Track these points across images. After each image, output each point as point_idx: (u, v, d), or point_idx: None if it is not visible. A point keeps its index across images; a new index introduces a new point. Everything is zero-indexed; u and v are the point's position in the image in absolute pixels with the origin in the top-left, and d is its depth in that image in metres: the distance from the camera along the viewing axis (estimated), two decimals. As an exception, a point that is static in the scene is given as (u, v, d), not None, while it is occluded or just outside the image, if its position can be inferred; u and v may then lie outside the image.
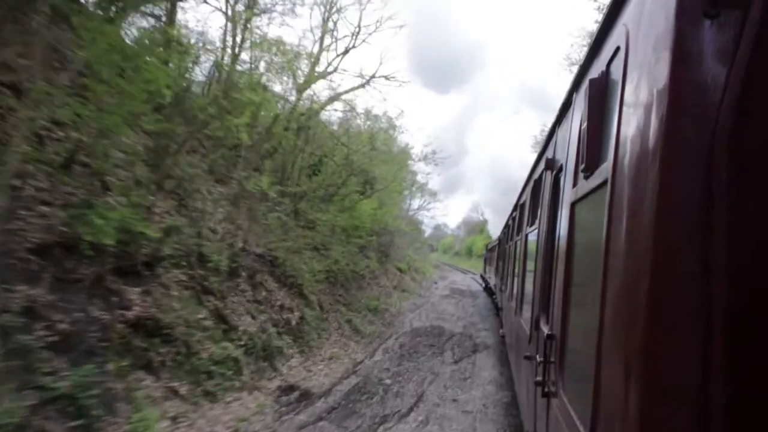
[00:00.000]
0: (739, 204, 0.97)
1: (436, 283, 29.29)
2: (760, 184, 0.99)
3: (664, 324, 1.02)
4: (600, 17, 2.00)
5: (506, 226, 9.67)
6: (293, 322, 8.29)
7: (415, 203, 61.18)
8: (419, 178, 20.89)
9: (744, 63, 0.96)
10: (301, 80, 13.89)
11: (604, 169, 1.51)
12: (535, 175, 4.15)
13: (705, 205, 0.99)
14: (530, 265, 4.00)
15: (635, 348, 1.09)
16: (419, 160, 19.72)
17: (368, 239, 18.07)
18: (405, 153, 20.55)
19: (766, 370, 0.96)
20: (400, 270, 23.76)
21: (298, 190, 11.92)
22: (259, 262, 8.57)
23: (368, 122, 19.05)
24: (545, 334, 2.33)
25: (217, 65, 9.14)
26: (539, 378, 2.35)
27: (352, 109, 17.69)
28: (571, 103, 2.46)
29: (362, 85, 18.06)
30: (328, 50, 17.32)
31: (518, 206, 6.34)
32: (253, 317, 7.33)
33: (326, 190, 14.61)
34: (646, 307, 1.04)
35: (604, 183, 1.48)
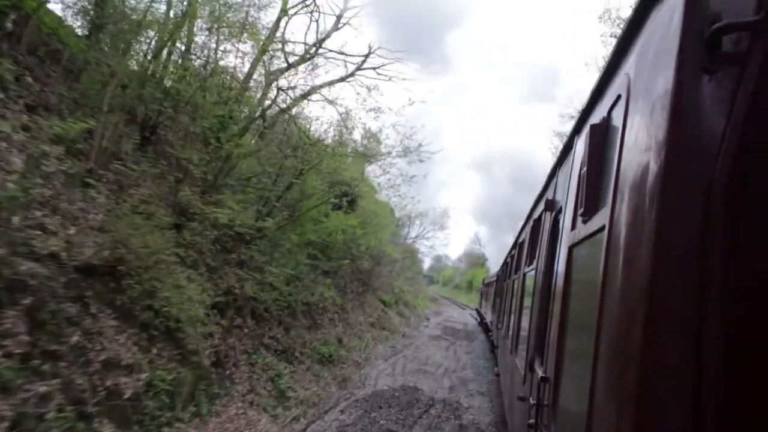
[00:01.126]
0: (735, 255, 0.98)
1: (428, 319, 25.30)
2: (755, 236, 0.99)
3: (657, 372, 1.03)
4: (603, 64, 2.08)
5: (504, 263, 9.58)
6: (126, 394, 4.55)
7: (414, 231, 57.61)
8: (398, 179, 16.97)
9: (740, 117, 0.98)
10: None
11: (603, 214, 1.53)
12: (535, 215, 4.21)
13: (701, 256, 1.00)
14: (527, 305, 4.00)
15: (628, 395, 1.10)
16: (398, 155, 15.97)
17: (340, 263, 14.41)
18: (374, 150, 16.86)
19: (762, 414, 0.95)
20: (384, 303, 19.95)
21: (182, 156, 7.81)
22: (87, 279, 4.93)
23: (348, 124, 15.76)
24: (539, 377, 2.36)
25: None
26: (532, 420, 2.35)
27: (331, 102, 14.48)
28: (572, 146, 2.49)
29: (347, 78, 14.98)
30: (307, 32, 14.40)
31: (517, 244, 6.36)
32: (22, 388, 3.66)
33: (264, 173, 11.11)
34: (639, 355, 1.06)
35: (602, 228, 1.49)
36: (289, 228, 11.10)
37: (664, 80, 1.14)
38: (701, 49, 1.06)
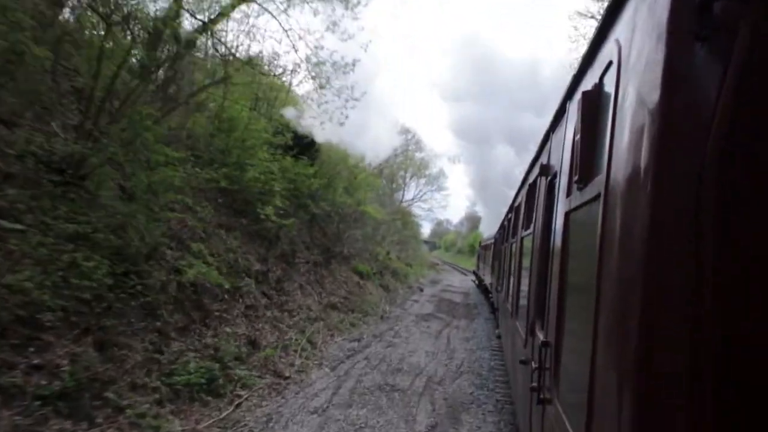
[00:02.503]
0: (729, 222, 1.00)
1: (421, 290, 21.11)
2: (749, 203, 1.01)
3: (657, 335, 1.06)
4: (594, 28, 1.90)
5: (501, 226, 9.66)
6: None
7: (410, 193, 52.73)
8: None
9: (734, 85, 0.98)
10: None
11: (598, 183, 1.54)
12: (530, 179, 4.22)
13: (696, 224, 1.02)
14: (525, 269, 4.05)
15: (628, 360, 1.12)
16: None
17: (279, 221, 9.91)
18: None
19: (756, 377, 0.98)
20: (360, 274, 15.63)
21: None
22: None
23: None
24: (540, 341, 2.37)
25: None
26: (534, 384, 2.35)
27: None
28: (564, 111, 2.49)
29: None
30: None
31: (513, 208, 6.42)
32: None
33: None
34: (638, 318, 1.09)
35: (597, 196, 1.50)
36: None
37: (655, 47, 1.14)
38: (692, 15, 1.05)
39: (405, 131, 38.33)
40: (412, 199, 49.73)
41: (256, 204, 9.80)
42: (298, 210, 12.62)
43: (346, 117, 10.84)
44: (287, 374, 6.79)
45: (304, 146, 13.13)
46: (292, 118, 12.78)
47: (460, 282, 28.98)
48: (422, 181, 49.97)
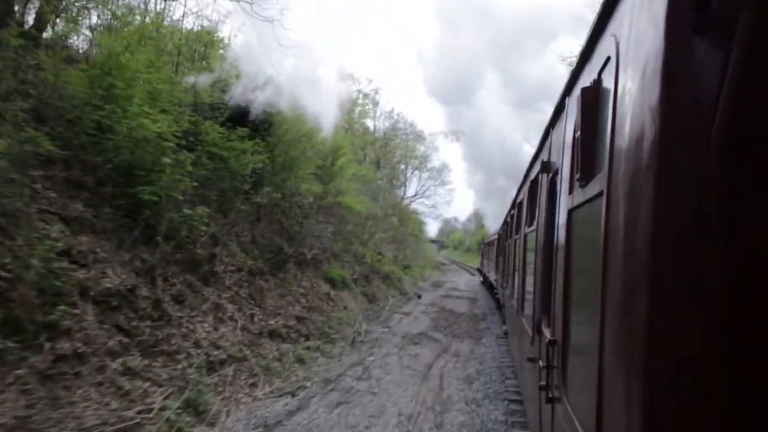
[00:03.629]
0: (733, 217, 0.99)
1: (419, 297, 17.53)
2: (752, 197, 1.00)
3: (664, 333, 1.05)
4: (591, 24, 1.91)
5: (505, 222, 9.65)
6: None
7: (411, 189, 48.94)
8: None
9: (734, 79, 0.96)
10: None
11: (600, 180, 1.53)
12: (532, 175, 4.19)
13: (699, 220, 1.01)
14: (529, 266, 4.05)
15: (636, 357, 1.12)
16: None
17: (183, 214, 6.43)
18: None
19: (761, 373, 0.97)
20: (332, 283, 12.10)
21: None
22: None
23: None
24: (547, 339, 2.35)
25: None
26: (543, 383, 2.34)
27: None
28: (564, 107, 2.46)
29: None
30: None
31: (516, 204, 6.35)
32: None
33: None
34: (644, 316, 1.08)
35: (599, 194, 1.49)
36: None
37: (654, 42, 1.13)
38: (690, 9, 1.03)
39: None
40: (415, 195, 46.02)
41: (135, 185, 6.33)
42: (232, 198, 9.15)
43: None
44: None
45: (239, 116, 9.67)
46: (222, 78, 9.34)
47: (466, 283, 25.30)
48: (425, 175, 46.18)
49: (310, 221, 12.13)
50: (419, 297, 17.64)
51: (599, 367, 1.36)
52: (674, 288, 1.03)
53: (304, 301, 9.86)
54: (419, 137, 40.39)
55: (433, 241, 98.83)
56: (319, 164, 15.12)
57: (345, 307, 11.70)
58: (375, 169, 37.64)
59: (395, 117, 38.08)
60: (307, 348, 7.94)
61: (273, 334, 7.65)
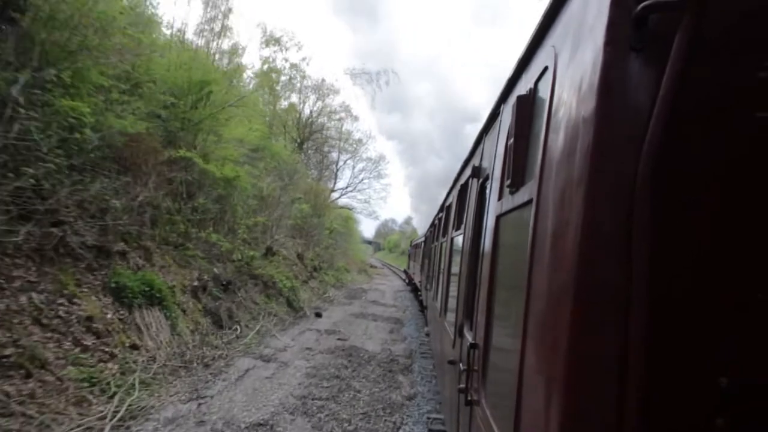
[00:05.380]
0: (661, 228, 1.01)
1: (319, 315, 11.90)
2: (682, 209, 1.03)
3: (587, 339, 1.05)
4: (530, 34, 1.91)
5: (432, 225, 9.45)
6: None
7: (343, 180, 42.82)
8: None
9: (668, 96, 0.98)
10: None
11: (530, 188, 1.53)
12: (462, 180, 4.16)
13: (627, 233, 1.01)
14: (455, 270, 4.04)
15: (556, 364, 1.11)
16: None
17: None
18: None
19: (680, 390, 1.01)
20: (120, 295, 6.10)
21: None
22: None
23: None
24: (469, 342, 2.34)
25: None
26: (462, 385, 2.33)
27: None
28: (498, 114, 2.46)
29: None
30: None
31: (444, 208, 6.29)
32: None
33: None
34: (568, 323, 1.07)
35: (529, 201, 1.49)
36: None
37: (591, 56, 1.13)
38: (629, 26, 1.05)
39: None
40: (347, 188, 40.26)
41: None
42: None
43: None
44: None
45: None
46: None
47: (393, 294, 20.06)
48: (359, 166, 40.52)
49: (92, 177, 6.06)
50: (318, 316, 12.02)
51: (519, 371, 1.37)
52: (599, 296, 1.04)
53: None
54: (350, 115, 34.77)
55: (368, 242, 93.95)
56: (165, 102, 9.12)
57: (133, 346, 5.80)
58: (298, 151, 31.62)
59: (325, 89, 32.25)
60: None
61: None
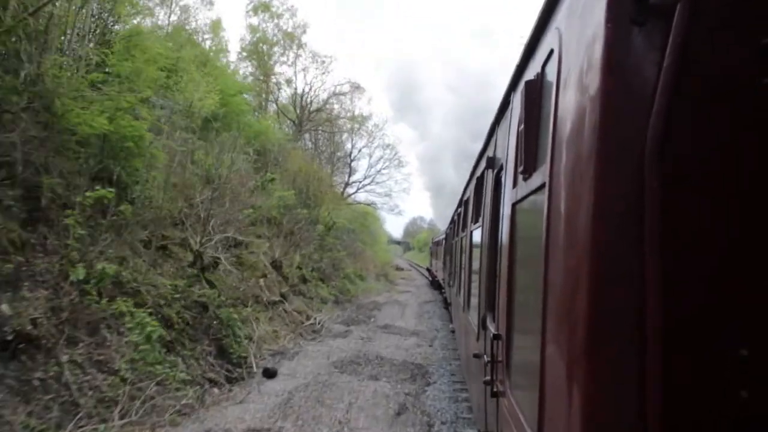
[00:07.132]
0: (671, 205, 1.00)
1: (270, 375, 6.57)
2: (690, 186, 1.02)
3: (604, 324, 1.05)
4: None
5: (452, 221, 9.44)
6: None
7: (360, 172, 37.19)
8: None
9: (671, 69, 0.98)
10: None
11: (542, 172, 1.54)
12: (478, 173, 4.16)
13: (639, 208, 1.01)
14: (475, 263, 4.04)
15: (576, 348, 1.11)
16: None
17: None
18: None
19: (699, 364, 0.99)
20: None
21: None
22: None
23: None
24: (492, 334, 2.33)
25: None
26: (488, 377, 2.33)
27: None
28: (509, 103, 2.46)
29: None
30: None
31: (462, 202, 6.38)
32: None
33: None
34: (585, 307, 1.07)
35: (542, 186, 1.50)
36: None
37: (593, 33, 1.14)
38: (630, 1, 1.04)
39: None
40: (364, 180, 34.75)
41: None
42: None
43: None
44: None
45: None
46: None
47: (418, 309, 14.38)
48: (377, 154, 34.87)
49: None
50: (269, 376, 6.63)
51: (541, 359, 1.36)
52: (614, 278, 1.04)
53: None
54: (357, 88, 29.55)
55: (397, 243, 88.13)
56: None
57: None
58: (297, 131, 26.59)
59: (324, 61, 27.13)
60: None
61: None
